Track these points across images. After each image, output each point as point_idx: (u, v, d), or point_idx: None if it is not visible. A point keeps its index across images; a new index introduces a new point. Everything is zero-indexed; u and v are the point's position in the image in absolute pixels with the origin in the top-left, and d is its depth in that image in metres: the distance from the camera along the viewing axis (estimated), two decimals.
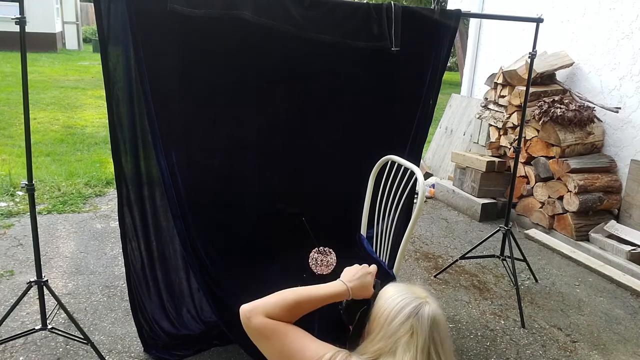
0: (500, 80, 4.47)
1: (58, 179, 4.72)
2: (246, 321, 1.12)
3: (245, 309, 1.13)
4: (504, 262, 3.26)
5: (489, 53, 5.42)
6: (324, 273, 2.19)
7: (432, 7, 2.40)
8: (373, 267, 1.29)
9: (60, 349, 2.37)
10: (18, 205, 4.10)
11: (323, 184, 2.55)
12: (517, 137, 3.16)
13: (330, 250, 2.25)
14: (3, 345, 2.35)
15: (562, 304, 3.12)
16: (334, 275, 2.21)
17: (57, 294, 2.25)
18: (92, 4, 1.95)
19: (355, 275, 1.25)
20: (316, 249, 2.22)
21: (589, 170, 3.89)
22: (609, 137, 4.05)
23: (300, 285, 1.23)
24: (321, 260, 2.20)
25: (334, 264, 2.22)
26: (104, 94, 2.03)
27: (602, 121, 4.06)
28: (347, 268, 1.29)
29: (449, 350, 1.08)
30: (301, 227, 2.54)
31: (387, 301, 1.12)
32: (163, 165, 2.12)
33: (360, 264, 1.31)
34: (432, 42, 2.43)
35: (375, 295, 1.18)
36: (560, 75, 4.35)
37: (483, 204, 4.47)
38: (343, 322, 1.26)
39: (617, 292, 3.29)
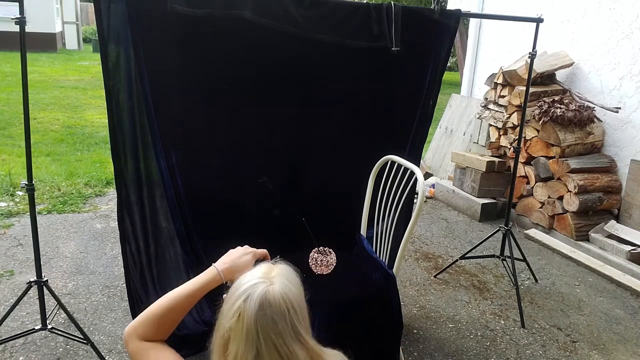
0: (500, 80, 4.47)
1: (58, 179, 4.72)
2: (126, 346, 1.03)
3: (125, 332, 1.03)
4: (504, 262, 3.26)
5: (489, 53, 5.42)
6: (324, 273, 2.20)
7: (432, 7, 2.40)
8: (260, 251, 1.21)
9: (60, 349, 2.37)
10: (18, 205, 4.10)
11: (323, 184, 2.55)
12: (517, 137, 3.16)
13: (330, 250, 2.25)
14: (3, 345, 2.35)
15: (562, 304, 3.12)
16: (334, 275, 2.22)
17: (57, 294, 2.25)
18: (92, 3, 1.95)
19: (230, 257, 1.18)
20: (316, 249, 2.23)
21: (589, 170, 3.89)
22: (609, 137, 4.05)
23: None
24: (321, 260, 2.20)
25: (334, 264, 2.22)
26: (104, 94, 2.03)
27: (602, 121, 4.06)
28: (230, 250, 1.22)
29: (286, 335, 0.91)
30: (301, 228, 2.54)
31: (236, 281, 0.99)
32: (163, 166, 2.12)
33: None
34: (432, 42, 2.43)
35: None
36: (560, 75, 4.36)
37: (483, 204, 4.47)
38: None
39: (617, 292, 3.29)
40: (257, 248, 1.29)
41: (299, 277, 1.03)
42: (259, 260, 1.19)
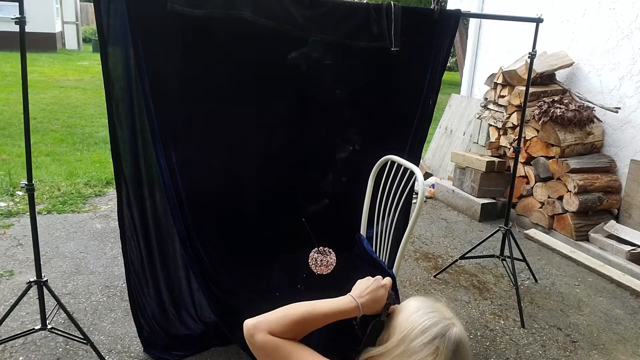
0: (500, 80, 4.47)
1: (58, 179, 4.72)
2: (249, 337, 1.05)
3: (248, 324, 1.06)
4: (504, 262, 3.26)
5: (489, 53, 5.42)
6: (324, 273, 2.20)
7: (432, 7, 2.40)
8: (387, 280, 1.20)
9: (60, 349, 2.37)
10: (18, 205, 4.10)
11: (323, 184, 2.55)
12: (517, 137, 3.16)
13: (330, 250, 2.25)
14: (3, 345, 2.34)
15: (562, 304, 3.12)
16: (333, 275, 2.22)
17: (56, 294, 2.24)
18: (92, 4, 1.95)
19: (367, 290, 1.16)
20: (316, 249, 2.23)
21: (589, 170, 3.89)
22: (608, 137, 4.05)
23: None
24: (321, 261, 2.20)
25: (334, 264, 2.22)
26: (104, 94, 2.03)
27: (601, 121, 4.06)
28: (359, 281, 1.21)
29: None
30: (301, 227, 2.54)
31: (412, 317, 1.06)
32: (163, 165, 2.12)
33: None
34: (431, 42, 2.43)
35: (387, 307, 1.12)
36: (560, 75, 4.36)
37: (483, 204, 4.48)
38: (343, 330, 1.20)
39: (616, 292, 3.29)
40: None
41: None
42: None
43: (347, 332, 1.19)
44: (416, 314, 1.06)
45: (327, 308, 1.12)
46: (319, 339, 1.18)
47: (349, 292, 1.20)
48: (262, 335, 1.05)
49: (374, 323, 1.10)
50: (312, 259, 2.22)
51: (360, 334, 1.13)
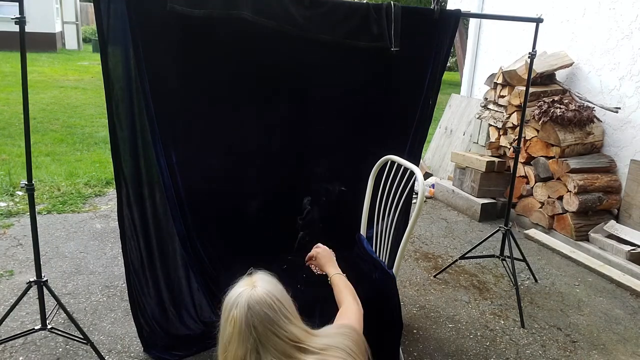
0: (500, 80, 4.47)
1: (58, 179, 4.72)
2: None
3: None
4: (504, 262, 3.26)
5: (489, 53, 5.42)
6: (324, 273, 2.19)
7: (432, 7, 2.40)
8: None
9: (60, 349, 2.37)
10: (18, 205, 4.10)
11: (323, 184, 2.55)
12: (517, 137, 3.16)
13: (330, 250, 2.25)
14: (3, 345, 2.34)
15: (562, 304, 3.12)
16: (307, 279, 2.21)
17: (56, 294, 2.24)
18: (92, 4, 1.95)
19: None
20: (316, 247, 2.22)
21: (589, 171, 3.89)
22: (608, 137, 4.05)
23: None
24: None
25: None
26: (104, 94, 2.03)
27: (601, 121, 4.06)
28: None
29: (280, 321, 1.07)
30: (301, 227, 2.54)
31: (223, 302, 1.14)
32: (163, 165, 2.12)
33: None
34: (431, 42, 2.43)
35: None
36: (560, 75, 4.36)
37: (483, 204, 4.48)
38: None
39: (616, 292, 3.29)
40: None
41: (275, 278, 1.19)
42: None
43: None
44: (229, 295, 1.15)
45: None
46: None
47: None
48: None
49: None
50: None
51: None
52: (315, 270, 2.18)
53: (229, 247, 2.44)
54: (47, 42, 15.28)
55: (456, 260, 3.41)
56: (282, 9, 2.11)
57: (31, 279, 2.18)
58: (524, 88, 3.33)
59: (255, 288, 1.10)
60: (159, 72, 2.05)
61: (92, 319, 2.64)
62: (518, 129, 3.23)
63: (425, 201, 4.89)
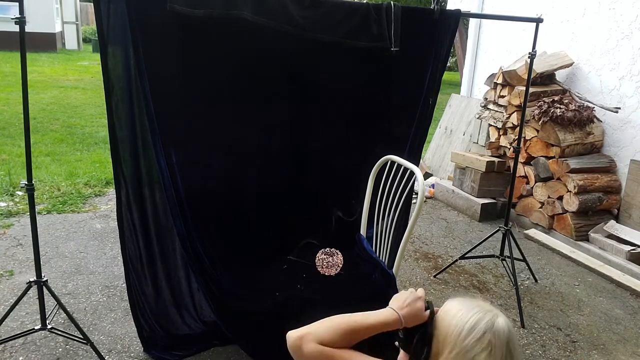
0: (499, 80, 4.47)
1: (58, 179, 4.72)
2: (296, 349, 1.06)
3: (293, 336, 1.08)
4: (504, 262, 3.26)
5: (489, 53, 5.42)
6: (331, 274, 2.20)
7: (432, 7, 2.40)
8: (421, 291, 1.21)
9: (60, 349, 2.37)
10: (18, 205, 4.10)
11: (323, 184, 2.56)
12: (517, 137, 3.16)
13: (337, 251, 2.25)
14: (3, 345, 2.34)
15: (562, 304, 3.12)
16: (339, 275, 2.22)
17: (56, 294, 2.24)
18: (92, 4, 1.95)
19: (405, 302, 1.17)
20: (322, 250, 2.23)
21: (589, 171, 3.89)
22: (608, 137, 4.05)
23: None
24: (327, 262, 2.21)
25: (340, 265, 2.22)
26: (104, 94, 2.03)
27: (601, 121, 4.06)
28: (395, 295, 1.22)
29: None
30: (301, 227, 2.54)
31: (456, 318, 1.06)
32: (163, 165, 2.12)
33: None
34: (431, 42, 2.43)
35: (431, 317, 1.12)
36: (559, 75, 4.36)
37: (483, 204, 4.47)
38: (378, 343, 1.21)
39: (616, 292, 3.29)
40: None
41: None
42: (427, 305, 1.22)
43: (382, 345, 1.20)
44: (459, 314, 1.06)
45: (372, 320, 1.14)
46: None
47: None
48: (312, 345, 1.06)
49: (419, 334, 1.11)
50: (319, 260, 2.22)
51: (405, 347, 1.15)
52: (322, 272, 2.18)
53: (229, 247, 2.44)
54: (47, 42, 15.27)
55: (456, 260, 3.41)
56: (282, 9, 2.11)
57: (31, 279, 2.18)
58: (524, 88, 3.33)
59: (500, 316, 1.05)
60: (159, 72, 2.05)
61: (92, 319, 2.64)
62: (518, 129, 3.23)
63: (425, 201, 4.89)
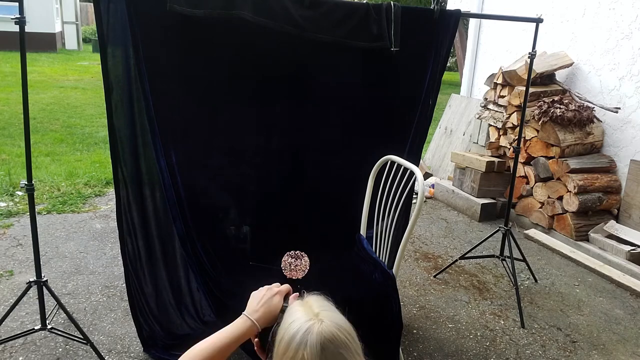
0: (499, 81, 4.47)
1: (58, 179, 4.72)
2: None
3: None
4: (504, 262, 3.26)
5: (489, 53, 5.42)
6: (298, 277, 2.19)
7: (432, 7, 2.40)
8: (284, 287, 1.16)
9: (60, 349, 2.37)
10: (17, 205, 4.10)
11: (323, 184, 2.55)
12: (517, 137, 3.16)
13: (303, 254, 2.24)
14: (3, 345, 2.34)
15: (562, 304, 3.12)
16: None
17: (56, 294, 2.24)
18: (92, 3, 1.95)
19: (260, 302, 1.12)
20: (288, 253, 2.22)
21: (589, 171, 3.89)
22: (608, 137, 4.05)
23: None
24: (295, 265, 2.19)
25: (307, 268, 2.21)
26: (104, 94, 2.03)
27: (601, 121, 4.06)
28: (252, 294, 1.16)
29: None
30: (300, 227, 2.54)
31: (282, 330, 0.97)
32: (163, 165, 2.12)
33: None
34: (431, 42, 2.43)
35: (280, 318, 1.03)
36: (559, 76, 4.36)
37: (483, 204, 4.47)
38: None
39: (616, 292, 3.29)
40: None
41: (327, 298, 1.04)
42: (286, 297, 1.16)
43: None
44: (286, 324, 0.98)
45: (223, 339, 1.08)
46: None
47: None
48: None
49: (272, 332, 1.04)
50: (284, 262, 2.21)
51: (260, 351, 1.09)
52: (289, 275, 2.17)
53: (228, 247, 2.44)
54: (47, 42, 15.27)
55: (456, 261, 3.41)
56: (282, 9, 2.11)
57: (31, 279, 2.18)
58: (524, 88, 3.33)
59: (324, 322, 0.94)
60: (159, 72, 2.05)
61: (92, 319, 2.64)
62: (518, 129, 3.23)
63: (425, 201, 4.89)
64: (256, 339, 1.11)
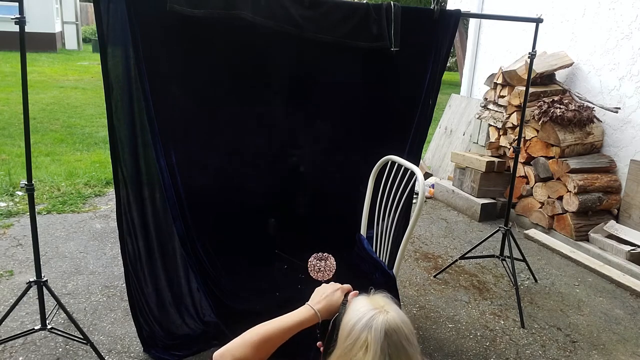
0: (499, 81, 4.47)
1: (58, 179, 4.72)
2: None
3: (215, 355, 1.09)
4: (504, 262, 3.26)
5: (489, 53, 5.42)
6: (325, 279, 2.18)
7: (432, 7, 2.40)
8: (346, 286, 1.22)
9: (60, 349, 2.37)
10: (17, 205, 4.10)
11: (323, 184, 2.55)
12: (517, 137, 3.16)
13: (329, 255, 2.24)
14: (3, 345, 2.34)
15: (562, 304, 3.12)
16: (333, 275, 2.21)
17: (56, 294, 2.24)
18: (92, 4, 1.95)
19: (323, 295, 1.19)
20: (314, 255, 2.21)
21: (589, 171, 3.89)
22: (608, 137, 4.05)
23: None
24: (320, 267, 2.19)
25: (334, 269, 2.21)
26: (104, 94, 2.02)
27: (601, 121, 4.06)
28: (317, 288, 1.24)
29: (415, 356, 0.99)
30: (300, 227, 2.54)
31: (347, 317, 1.04)
32: (163, 165, 2.12)
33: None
34: (431, 42, 2.43)
35: (339, 311, 1.11)
36: (559, 76, 4.36)
37: (483, 204, 4.47)
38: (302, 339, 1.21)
39: (616, 292, 3.29)
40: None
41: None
42: (346, 295, 1.21)
43: (308, 341, 1.19)
44: (351, 312, 1.05)
45: (287, 322, 1.15)
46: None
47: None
48: None
49: (332, 322, 1.11)
50: (311, 265, 2.21)
51: (321, 339, 1.15)
52: (316, 278, 2.16)
53: (229, 247, 2.44)
54: (47, 42, 15.27)
55: (456, 261, 3.41)
56: (282, 9, 2.11)
57: (31, 279, 2.18)
58: (524, 88, 3.33)
59: (389, 313, 1.00)
60: (158, 72, 2.05)
61: (92, 319, 2.64)
62: (518, 129, 3.23)
63: (425, 201, 4.89)
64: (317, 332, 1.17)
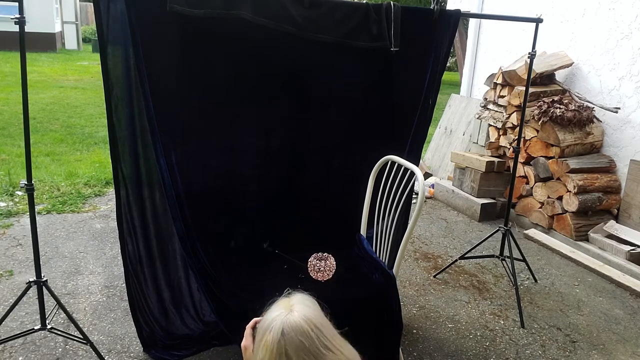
0: (499, 81, 4.47)
1: (57, 179, 4.72)
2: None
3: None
4: (504, 262, 3.26)
5: (489, 53, 5.42)
6: (325, 279, 2.18)
7: (432, 7, 2.40)
8: (251, 323, 1.26)
9: (60, 349, 2.37)
10: (17, 205, 4.10)
11: (323, 184, 2.56)
12: (517, 137, 3.16)
13: (328, 255, 2.24)
14: (2, 345, 2.34)
15: (562, 304, 3.13)
16: (333, 275, 2.21)
17: (56, 294, 2.24)
18: (92, 3, 1.95)
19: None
20: (314, 255, 2.21)
21: (589, 171, 3.89)
22: (608, 137, 4.05)
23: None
24: (320, 267, 2.19)
25: (334, 269, 2.21)
26: (104, 94, 2.03)
27: (601, 121, 4.06)
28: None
29: (316, 350, 1.01)
30: (300, 227, 2.54)
31: (260, 323, 1.10)
32: (163, 165, 2.12)
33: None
34: (431, 42, 2.43)
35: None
36: (559, 76, 4.36)
37: (482, 204, 4.48)
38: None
39: (616, 292, 3.30)
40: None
41: (314, 300, 1.13)
42: (270, 303, 1.22)
43: None
44: (264, 319, 1.09)
45: None
46: None
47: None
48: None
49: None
50: (311, 265, 2.21)
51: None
52: (316, 278, 2.17)
53: (229, 247, 2.44)
54: (47, 42, 15.27)
55: (456, 260, 3.41)
56: (282, 9, 2.11)
57: (31, 279, 2.18)
58: (524, 88, 3.33)
59: (292, 313, 1.03)
60: (158, 72, 2.05)
61: (92, 319, 2.64)
62: (518, 129, 3.23)
63: (425, 201, 4.89)
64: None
